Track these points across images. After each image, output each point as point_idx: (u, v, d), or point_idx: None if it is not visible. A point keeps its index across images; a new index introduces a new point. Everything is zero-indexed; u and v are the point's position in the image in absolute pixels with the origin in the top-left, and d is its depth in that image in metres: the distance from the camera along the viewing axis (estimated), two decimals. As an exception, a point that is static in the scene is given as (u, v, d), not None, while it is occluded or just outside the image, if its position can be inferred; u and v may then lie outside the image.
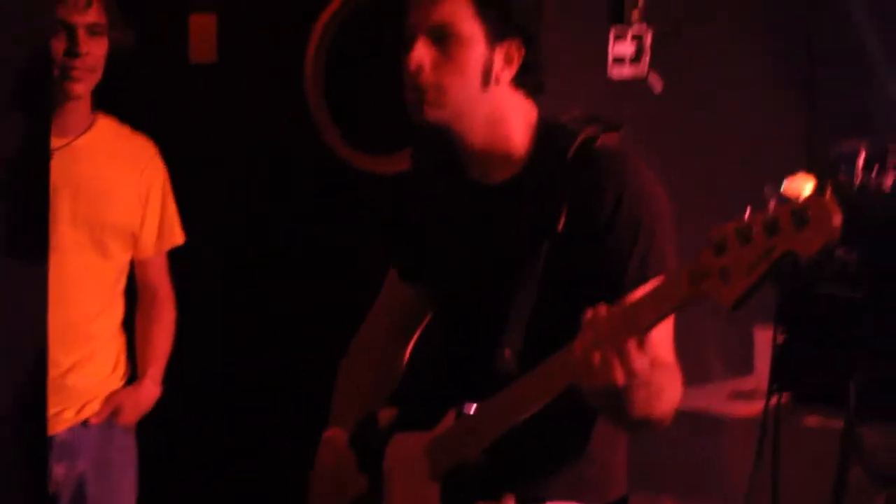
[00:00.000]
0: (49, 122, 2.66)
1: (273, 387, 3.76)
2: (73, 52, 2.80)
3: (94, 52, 2.86)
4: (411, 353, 2.25)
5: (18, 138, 2.52)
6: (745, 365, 3.87)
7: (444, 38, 1.98)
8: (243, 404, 3.79)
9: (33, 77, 2.56)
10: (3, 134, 2.48)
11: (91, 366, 2.96)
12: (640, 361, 1.74)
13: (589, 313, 1.78)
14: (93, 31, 2.85)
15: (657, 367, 1.82)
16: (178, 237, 3.15)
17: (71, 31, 2.81)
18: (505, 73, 2.00)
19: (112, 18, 2.90)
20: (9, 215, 2.50)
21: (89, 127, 2.97)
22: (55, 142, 2.77)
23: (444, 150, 2.08)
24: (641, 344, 1.75)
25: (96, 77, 2.91)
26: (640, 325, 1.74)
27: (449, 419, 1.99)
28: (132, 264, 3.08)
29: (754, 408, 3.45)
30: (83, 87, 2.88)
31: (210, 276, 3.71)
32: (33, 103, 2.56)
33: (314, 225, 3.81)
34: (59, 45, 2.78)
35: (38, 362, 2.53)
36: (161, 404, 3.09)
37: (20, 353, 2.50)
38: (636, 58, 3.82)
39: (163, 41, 3.80)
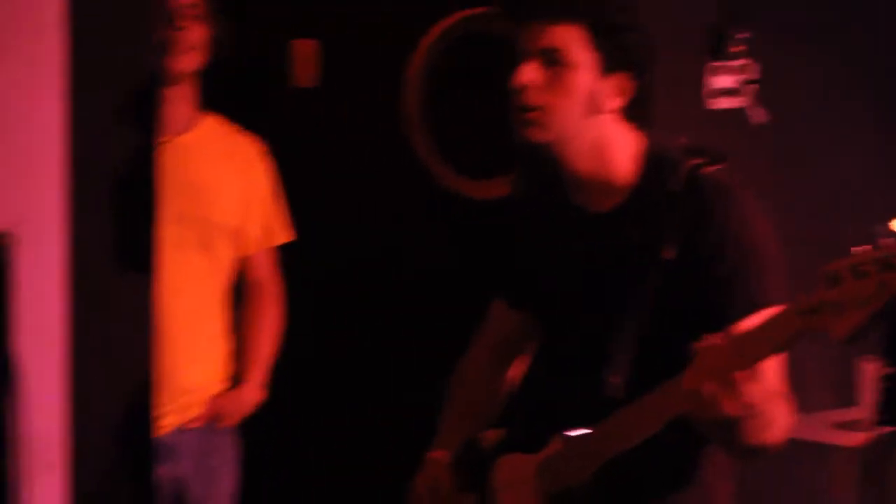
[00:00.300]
0: (157, 120, 2.70)
1: (372, 403, 3.81)
2: (173, 27, 2.88)
3: (194, 30, 2.94)
4: (518, 378, 2.27)
5: (126, 136, 2.58)
6: (848, 396, 3.84)
7: (554, 62, 2.00)
8: (344, 412, 3.83)
9: (141, 73, 2.63)
10: (111, 131, 2.54)
11: (195, 367, 2.99)
12: (751, 393, 1.75)
13: (699, 344, 1.80)
14: (193, 12, 2.95)
15: (769, 396, 1.84)
16: (285, 235, 3.17)
17: (172, 11, 2.89)
18: (613, 103, 2.02)
19: (212, 9, 3.00)
20: (117, 214, 2.56)
21: (195, 124, 3.02)
22: (162, 138, 2.78)
23: (548, 174, 2.11)
24: (753, 376, 1.76)
25: (197, 58, 2.96)
26: (752, 357, 1.76)
27: (556, 443, 2.01)
28: (240, 263, 3.10)
29: (858, 438, 3.44)
30: (184, 64, 2.93)
31: (310, 299, 3.77)
32: (141, 100, 2.62)
33: (413, 248, 3.85)
34: (161, 27, 2.85)
35: (146, 364, 2.58)
36: (264, 406, 3.12)
37: (129, 356, 2.57)
38: (736, 90, 3.82)
39: (265, 64, 3.89)
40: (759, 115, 3.81)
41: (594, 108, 2.01)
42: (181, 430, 2.97)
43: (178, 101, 2.96)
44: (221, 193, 3.03)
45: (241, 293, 3.14)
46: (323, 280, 3.79)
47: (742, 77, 3.79)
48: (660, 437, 1.89)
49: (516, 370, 2.29)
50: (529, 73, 2.01)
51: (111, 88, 2.53)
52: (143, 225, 2.61)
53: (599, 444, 1.94)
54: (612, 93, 2.01)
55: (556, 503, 2.00)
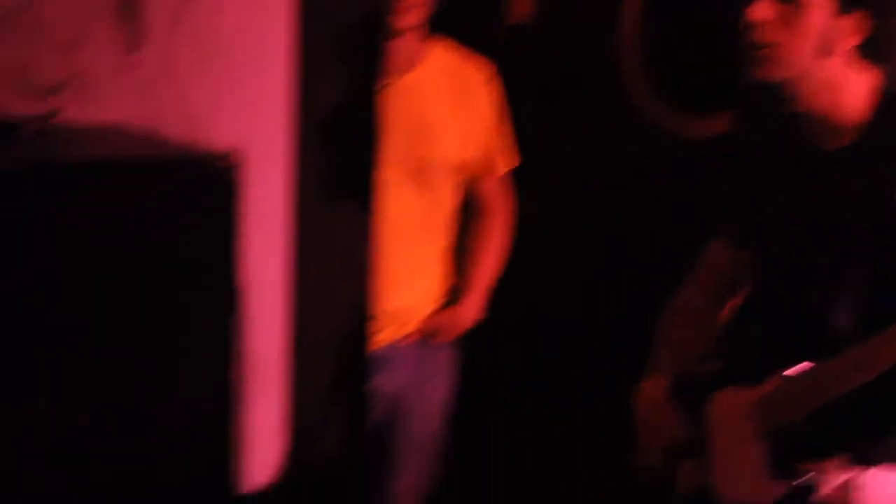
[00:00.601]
0: (379, 60, 2.74)
1: (585, 331, 3.83)
2: None
3: None
4: (736, 313, 2.26)
5: (351, 72, 2.62)
6: None
7: (790, 1, 1.97)
8: (557, 337, 3.86)
9: (368, 13, 2.68)
10: (336, 65, 2.59)
11: (414, 290, 3.07)
12: None
13: None
14: None
15: None
16: (512, 159, 3.21)
17: None
18: (848, 42, 1.98)
19: None
20: (339, 153, 2.62)
21: (419, 61, 3.05)
22: (386, 79, 2.83)
23: (777, 113, 2.08)
24: None
25: (424, 11, 2.97)
26: None
27: (775, 381, 2.00)
28: (467, 188, 3.17)
29: None
30: (410, 20, 2.94)
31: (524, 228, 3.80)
32: (362, 41, 2.66)
33: (626, 187, 3.84)
34: None
35: (363, 286, 2.67)
36: (480, 325, 3.19)
37: (347, 278, 2.65)
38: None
39: (483, 2, 3.91)
40: None
41: (827, 48, 1.98)
42: (398, 345, 3.06)
43: (403, 45, 2.99)
44: (445, 131, 3.07)
45: (469, 212, 3.20)
46: (537, 211, 3.83)
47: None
48: (887, 375, 1.85)
49: (730, 308, 2.29)
50: (762, 10, 1.98)
51: (339, 21, 2.59)
52: (364, 157, 2.68)
53: (825, 382, 1.92)
54: (848, 32, 1.97)
55: (777, 439, 2.00)
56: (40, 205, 2.03)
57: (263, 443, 2.41)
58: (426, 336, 3.12)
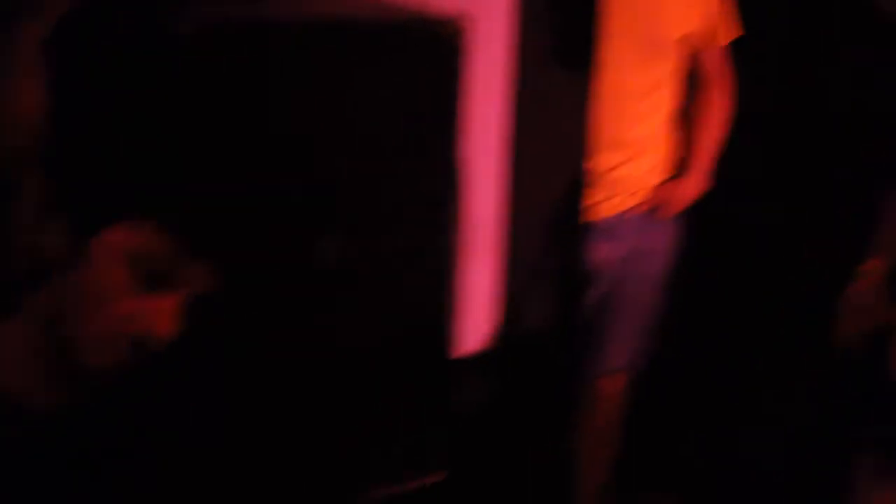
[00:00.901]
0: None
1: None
2: None
3: None
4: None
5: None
6: None
7: None
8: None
9: None
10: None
11: (638, 162, 3.10)
12: None
13: None
14: None
15: None
16: (735, 30, 3.17)
17: None
18: None
19: None
20: (562, 22, 2.61)
21: None
22: None
23: None
24: None
25: None
26: None
27: None
28: (691, 60, 3.17)
29: None
30: None
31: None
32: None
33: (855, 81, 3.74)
34: None
35: (579, 157, 2.71)
36: (706, 195, 3.21)
37: (565, 148, 2.68)
38: None
39: None
40: None
41: None
42: (623, 216, 3.10)
43: None
44: (670, 3, 3.04)
45: (692, 84, 3.20)
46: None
47: None
48: None
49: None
50: None
51: None
52: (587, 27, 2.68)
53: None
54: None
55: None
56: (269, 62, 2.09)
57: (477, 309, 2.47)
58: (651, 208, 3.14)
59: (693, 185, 3.16)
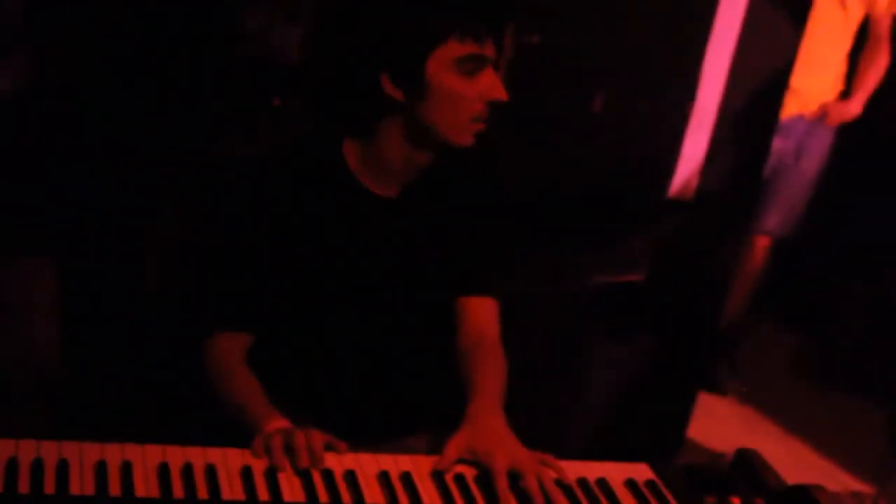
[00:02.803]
0: None
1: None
2: None
3: None
4: None
5: None
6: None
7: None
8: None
9: None
10: None
11: (816, 79, 4.12)
12: None
13: None
14: None
15: None
16: None
17: None
18: None
19: None
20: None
21: None
22: None
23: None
24: None
25: None
26: None
27: None
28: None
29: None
30: None
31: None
32: None
33: None
34: None
35: (784, 75, 3.48)
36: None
37: (774, 66, 3.43)
38: None
39: None
40: None
41: None
42: (798, 118, 4.18)
43: None
44: None
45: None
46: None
47: None
48: None
49: None
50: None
51: None
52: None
53: None
54: None
55: None
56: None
57: (689, 166, 3.32)
58: (820, 116, 4.19)
59: (854, 106, 4.18)
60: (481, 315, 2.20)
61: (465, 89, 1.99)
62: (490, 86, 2.01)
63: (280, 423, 1.98)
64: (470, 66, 1.99)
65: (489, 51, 2.00)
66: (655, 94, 3.10)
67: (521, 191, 2.50)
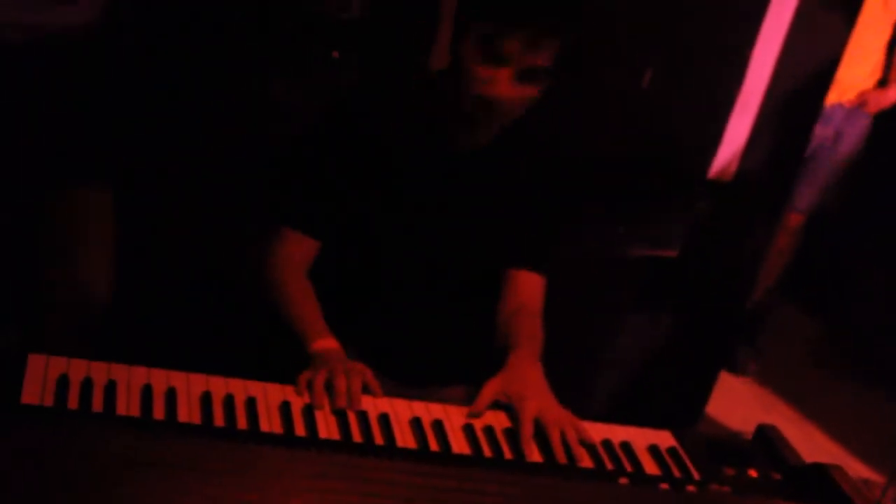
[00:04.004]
0: None
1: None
2: None
3: None
4: None
5: None
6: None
7: None
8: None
9: None
10: None
11: (855, 68, 4.19)
12: None
13: None
14: None
15: None
16: None
17: None
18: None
19: None
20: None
21: None
22: None
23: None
24: None
25: None
26: None
27: None
28: None
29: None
30: None
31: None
32: None
33: None
34: None
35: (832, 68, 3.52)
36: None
37: (821, 58, 3.47)
38: None
39: None
40: None
41: None
42: (837, 106, 4.27)
43: None
44: None
45: None
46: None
47: None
48: None
49: None
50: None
51: None
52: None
53: None
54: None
55: None
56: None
57: (732, 147, 3.37)
58: (859, 104, 4.28)
59: (892, 94, 4.28)
60: (528, 289, 2.28)
61: (473, 70, 2.03)
62: (490, 80, 2.03)
63: (329, 342, 2.06)
64: (490, 52, 2.02)
65: (512, 48, 2.00)
66: (703, 75, 3.15)
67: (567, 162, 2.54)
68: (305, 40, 2.60)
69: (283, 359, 2.08)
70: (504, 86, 2.03)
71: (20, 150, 2.36)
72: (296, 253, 2.21)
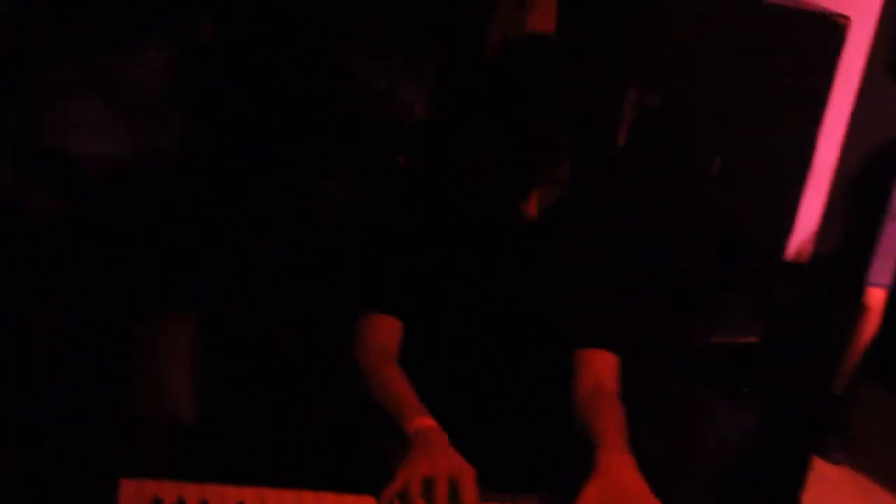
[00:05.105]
0: None
1: None
2: None
3: None
4: None
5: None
6: None
7: None
8: None
9: None
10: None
11: None
12: None
13: None
14: None
15: None
16: None
17: None
18: None
19: None
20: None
21: None
22: None
23: None
24: None
25: None
26: None
27: None
28: None
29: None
30: None
31: None
32: None
33: None
34: None
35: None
36: None
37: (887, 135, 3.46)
38: None
39: None
40: None
41: None
42: None
43: None
44: None
45: None
46: None
47: None
48: None
49: None
50: None
51: None
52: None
53: None
54: None
55: None
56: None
57: (805, 228, 3.33)
58: None
59: None
60: (601, 368, 2.21)
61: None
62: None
63: (427, 420, 1.99)
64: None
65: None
66: (772, 158, 3.13)
67: (640, 250, 2.53)
68: (371, 145, 2.63)
69: (372, 471, 2.04)
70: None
71: (113, 280, 2.41)
72: (384, 336, 2.19)
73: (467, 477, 1.91)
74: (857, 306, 3.83)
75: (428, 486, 1.89)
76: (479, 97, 2.14)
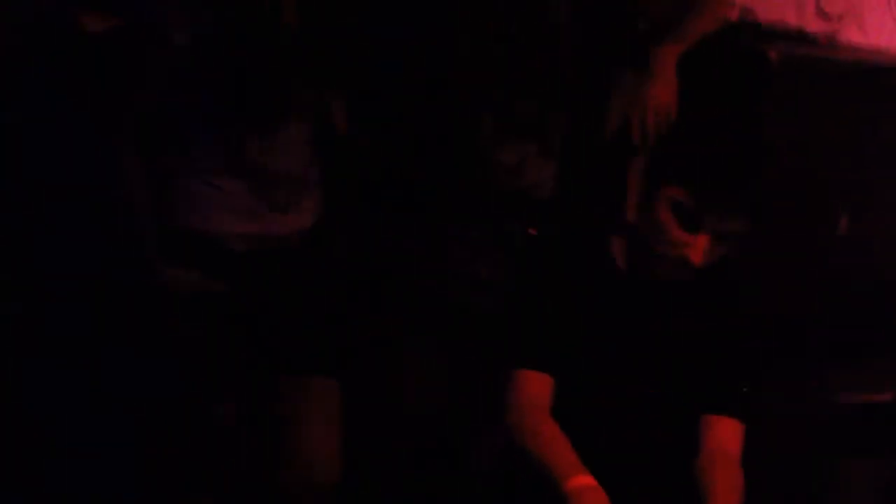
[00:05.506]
0: None
1: None
2: None
3: None
4: None
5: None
6: None
7: None
8: None
9: None
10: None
11: None
12: None
13: None
14: None
15: None
16: None
17: None
18: None
19: None
20: None
21: None
22: None
23: None
24: None
25: None
26: None
27: None
28: None
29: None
30: None
31: None
32: None
33: None
34: None
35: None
36: None
37: None
38: None
39: None
40: None
41: None
42: None
43: None
44: None
45: None
46: None
47: None
48: None
49: None
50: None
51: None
52: None
53: None
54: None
55: None
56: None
57: None
58: None
59: None
60: (725, 435, 2.22)
61: (668, 232, 2.15)
62: (687, 245, 2.13)
63: (587, 479, 2.01)
64: (685, 219, 2.13)
65: (711, 218, 2.10)
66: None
67: (769, 309, 2.55)
68: (504, 218, 2.71)
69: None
70: (701, 253, 2.07)
71: (253, 346, 2.51)
72: (535, 392, 2.20)
73: None
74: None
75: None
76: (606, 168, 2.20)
